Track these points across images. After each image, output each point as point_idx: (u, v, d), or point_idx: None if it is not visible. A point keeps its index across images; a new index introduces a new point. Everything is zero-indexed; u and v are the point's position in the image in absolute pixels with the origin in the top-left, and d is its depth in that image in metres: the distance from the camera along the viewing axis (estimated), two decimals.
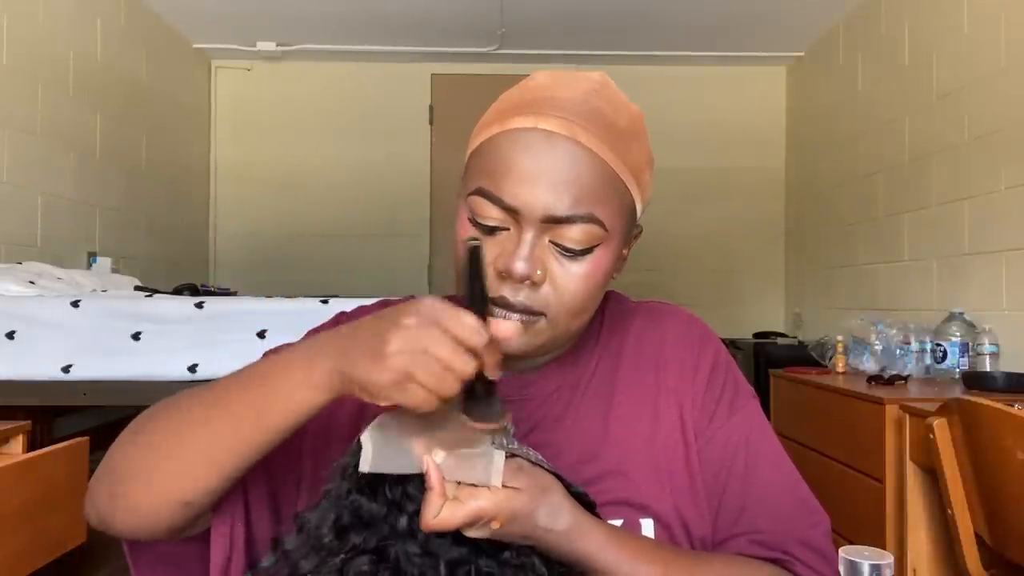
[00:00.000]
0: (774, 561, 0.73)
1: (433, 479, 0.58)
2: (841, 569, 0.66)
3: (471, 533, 0.60)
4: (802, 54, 4.37)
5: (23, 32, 2.78)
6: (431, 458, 0.59)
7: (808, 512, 0.76)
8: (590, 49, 4.26)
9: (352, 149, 4.52)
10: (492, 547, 0.62)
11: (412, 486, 0.61)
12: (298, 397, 0.60)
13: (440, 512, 0.58)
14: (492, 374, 0.58)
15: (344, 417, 0.75)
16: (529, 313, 0.69)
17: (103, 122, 3.35)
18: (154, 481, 0.65)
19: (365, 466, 0.59)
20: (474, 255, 0.60)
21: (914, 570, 2.09)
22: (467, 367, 0.55)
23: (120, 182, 3.51)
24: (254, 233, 4.50)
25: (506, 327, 0.61)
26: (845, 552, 0.66)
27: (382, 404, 0.57)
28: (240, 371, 0.65)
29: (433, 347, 0.55)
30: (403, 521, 0.60)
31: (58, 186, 3.01)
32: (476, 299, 0.59)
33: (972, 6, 2.78)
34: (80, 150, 3.18)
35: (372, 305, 0.82)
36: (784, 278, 4.62)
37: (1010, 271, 2.54)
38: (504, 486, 0.60)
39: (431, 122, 4.56)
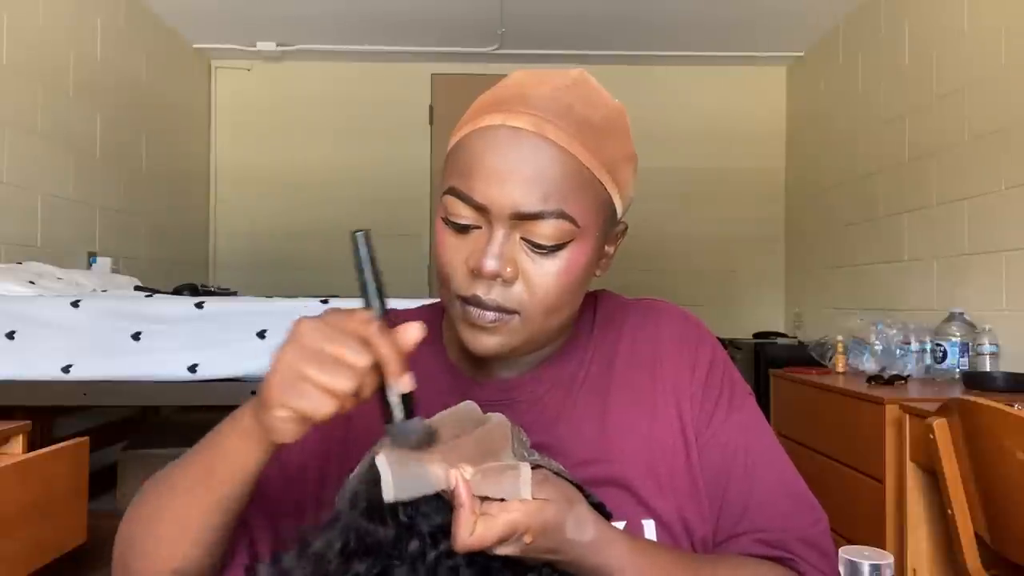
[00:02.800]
0: (779, 560, 0.73)
1: (463, 495, 0.55)
2: (841, 569, 0.66)
3: (503, 550, 0.57)
4: (802, 54, 4.36)
5: (23, 32, 2.77)
6: (460, 473, 0.56)
7: (808, 510, 0.76)
8: (589, 49, 4.25)
9: (352, 149, 4.52)
10: (511, 573, 0.59)
11: (426, 504, 0.57)
12: (234, 449, 0.61)
13: (475, 529, 0.55)
14: (395, 374, 0.55)
15: (333, 445, 0.75)
16: (502, 312, 0.68)
17: (103, 122, 3.35)
18: (147, 551, 0.66)
19: (388, 494, 0.55)
20: (357, 244, 0.56)
21: (914, 570, 2.09)
22: (358, 357, 0.54)
23: (120, 182, 3.51)
24: (254, 233, 4.50)
25: (413, 326, 0.57)
26: (845, 552, 0.66)
27: (279, 415, 0.54)
28: (206, 435, 0.65)
29: (322, 343, 0.54)
30: (415, 544, 0.57)
31: (58, 186, 3.01)
32: (368, 292, 0.57)
33: (972, 6, 2.78)
34: (80, 150, 3.18)
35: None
36: (784, 278, 4.62)
37: (1010, 271, 2.54)
38: (533, 498, 0.58)
39: (431, 122, 4.56)
